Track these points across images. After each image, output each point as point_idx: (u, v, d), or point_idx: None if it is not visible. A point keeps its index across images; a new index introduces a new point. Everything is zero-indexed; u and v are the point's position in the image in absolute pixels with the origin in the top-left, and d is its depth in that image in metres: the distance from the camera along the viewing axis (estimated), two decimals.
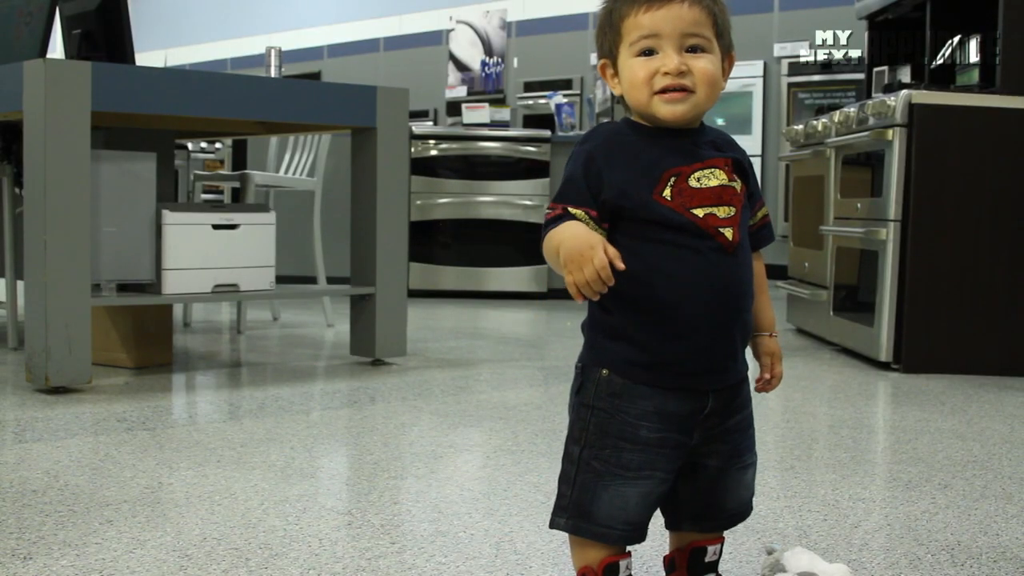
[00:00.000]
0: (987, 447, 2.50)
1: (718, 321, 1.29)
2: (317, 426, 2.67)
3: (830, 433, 2.72)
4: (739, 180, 1.32)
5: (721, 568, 1.42)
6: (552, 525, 1.32)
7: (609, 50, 1.33)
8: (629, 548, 1.33)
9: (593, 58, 7.98)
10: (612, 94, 1.39)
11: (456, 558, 1.64)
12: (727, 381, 1.31)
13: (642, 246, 1.27)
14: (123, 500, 1.92)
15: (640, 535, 1.31)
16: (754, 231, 1.37)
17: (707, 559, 1.39)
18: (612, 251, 1.20)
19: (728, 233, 1.28)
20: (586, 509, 1.29)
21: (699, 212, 1.27)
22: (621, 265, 1.19)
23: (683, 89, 1.28)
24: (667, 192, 1.27)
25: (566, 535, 1.34)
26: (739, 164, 1.33)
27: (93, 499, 1.92)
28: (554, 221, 1.26)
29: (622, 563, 1.31)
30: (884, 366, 3.68)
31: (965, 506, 1.99)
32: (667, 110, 1.28)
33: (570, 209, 1.25)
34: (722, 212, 1.28)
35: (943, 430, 2.68)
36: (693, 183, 1.28)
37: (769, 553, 1.52)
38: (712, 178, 1.29)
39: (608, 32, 1.33)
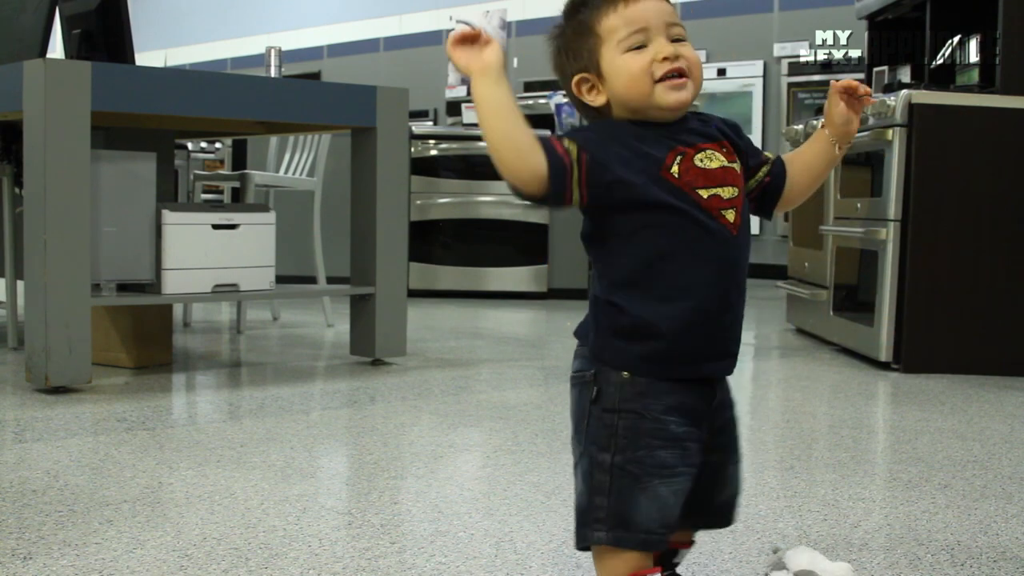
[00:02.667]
0: (987, 447, 2.50)
1: (727, 302, 1.29)
2: (317, 426, 2.67)
3: (830, 433, 2.72)
4: (738, 161, 1.32)
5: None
6: (589, 540, 1.27)
7: (588, 59, 1.30)
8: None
9: None
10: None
11: (456, 558, 1.63)
12: (733, 366, 1.33)
13: (647, 233, 1.25)
14: (123, 500, 1.92)
15: (670, 537, 1.30)
16: (772, 179, 1.38)
17: (675, 560, 1.40)
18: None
19: (730, 215, 1.28)
20: (625, 517, 1.25)
21: (704, 193, 1.26)
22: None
23: (682, 74, 1.28)
24: (675, 169, 1.26)
25: (569, 538, 1.32)
26: (732, 142, 1.33)
27: (93, 499, 1.92)
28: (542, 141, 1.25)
29: None
30: (884, 366, 3.68)
31: (965, 506, 1.99)
32: (673, 97, 1.27)
33: (567, 145, 1.24)
34: (726, 193, 1.28)
35: (943, 430, 2.68)
36: (698, 163, 1.28)
37: (774, 552, 1.52)
38: (714, 160, 1.29)
39: (584, 40, 1.30)
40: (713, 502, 1.37)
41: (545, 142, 1.25)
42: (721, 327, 1.29)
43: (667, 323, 1.26)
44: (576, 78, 1.31)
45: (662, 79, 1.27)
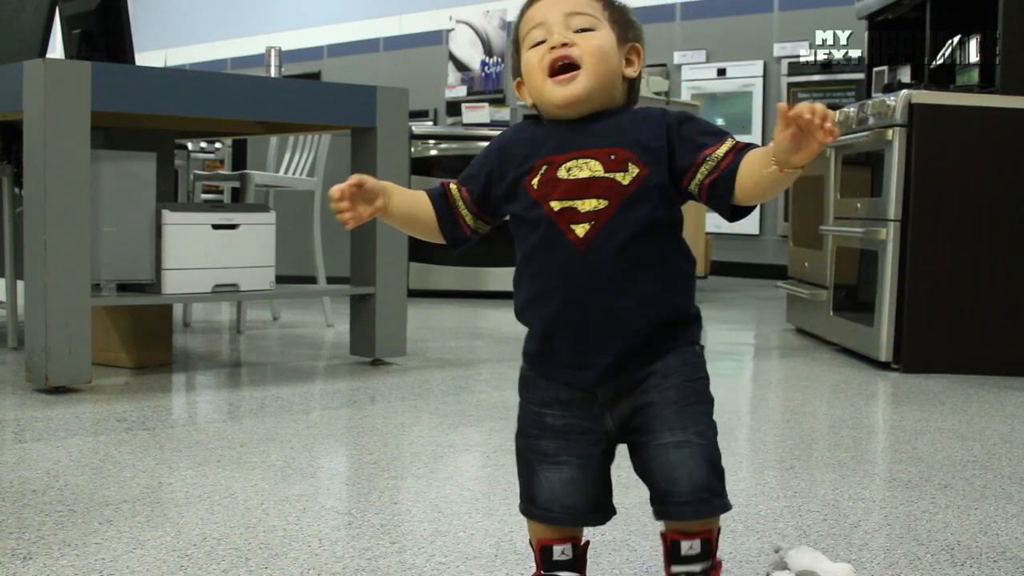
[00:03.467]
0: (987, 447, 2.50)
1: (576, 318, 1.27)
2: (317, 426, 2.67)
3: (830, 433, 2.72)
4: (638, 167, 1.25)
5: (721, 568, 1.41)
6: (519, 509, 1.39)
7: (517, 64, 1.36)
8: (576, 534, 1.37)
9: None
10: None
11: (456, 558, 1.63)
12: (604, 380, 1.28)
13: (519, 243, 1.33)
14: (123, 500, 1.92)
15: (584, 519, 1.34)
16: (719, 177, 1.24)
17: (683, 552, 1.32)
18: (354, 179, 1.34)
19: (579, 230, 1.25)
20: (530, 494, 1.35)
21: (556, 205, 1.27)
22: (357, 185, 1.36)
23: (570, 67, 1.28)
24: (535, 181, 1.29)
25: None
26: (642, 145, 1.26)
27: (93, 499, 1.92)
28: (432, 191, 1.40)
29: (556, 548, 1.35)
30: (884, 366, 3.68)
31: (965, 506, 1.99)
32: (560, 93, 1.29)
33: (451, 184, 1.39)
34: (585, 206, 1.26)
35: (943, 430, 2.68)
36: (562, 173, 1.28)
37: (776, 551, 1.52)
38: (583, 169, 1.27)
39: (515, 49, 1.37)
40: (667, 489, 1.27)
41: (439, 208, 1.41)
42: (572, 341, 1.29)
43: (533, 324, 1.34)
44: (515, 83, 1.39)
45: (551, 73, 1.29)
